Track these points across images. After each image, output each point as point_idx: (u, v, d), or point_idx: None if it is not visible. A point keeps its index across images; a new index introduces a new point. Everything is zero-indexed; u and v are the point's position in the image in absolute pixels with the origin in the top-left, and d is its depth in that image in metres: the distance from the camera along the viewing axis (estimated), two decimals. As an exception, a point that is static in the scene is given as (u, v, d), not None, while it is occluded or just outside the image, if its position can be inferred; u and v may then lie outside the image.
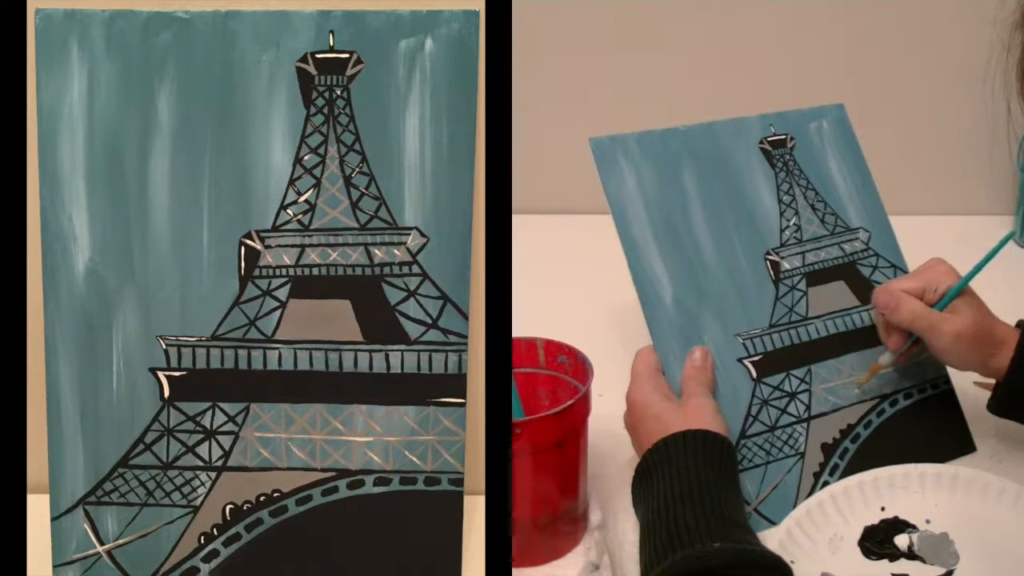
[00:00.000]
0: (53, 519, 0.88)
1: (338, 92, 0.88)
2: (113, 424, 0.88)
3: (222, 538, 0.88)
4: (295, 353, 0.88)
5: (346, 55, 0.87)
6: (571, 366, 0.92)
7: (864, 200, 1.03)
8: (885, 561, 0.85)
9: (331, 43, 0.87)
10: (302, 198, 0.88)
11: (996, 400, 0.92)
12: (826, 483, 0.92)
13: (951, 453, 0.96)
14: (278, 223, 0.88)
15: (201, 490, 0.88)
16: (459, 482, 0.88)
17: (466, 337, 0.88)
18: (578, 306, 1.22)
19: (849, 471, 0.92)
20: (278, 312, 0.88)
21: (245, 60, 0.87)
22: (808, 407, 0.95)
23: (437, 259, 0.88)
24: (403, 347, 0.88)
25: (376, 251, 0.88)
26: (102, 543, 0.88)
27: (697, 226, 0.97)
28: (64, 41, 0.86)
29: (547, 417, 0.84)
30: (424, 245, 0.88)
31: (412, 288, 0.88)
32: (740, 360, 0.94)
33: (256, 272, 0.88)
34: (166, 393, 0.88)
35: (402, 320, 0.88)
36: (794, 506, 0.89)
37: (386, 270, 0.88)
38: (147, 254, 0.88)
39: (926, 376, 0.98)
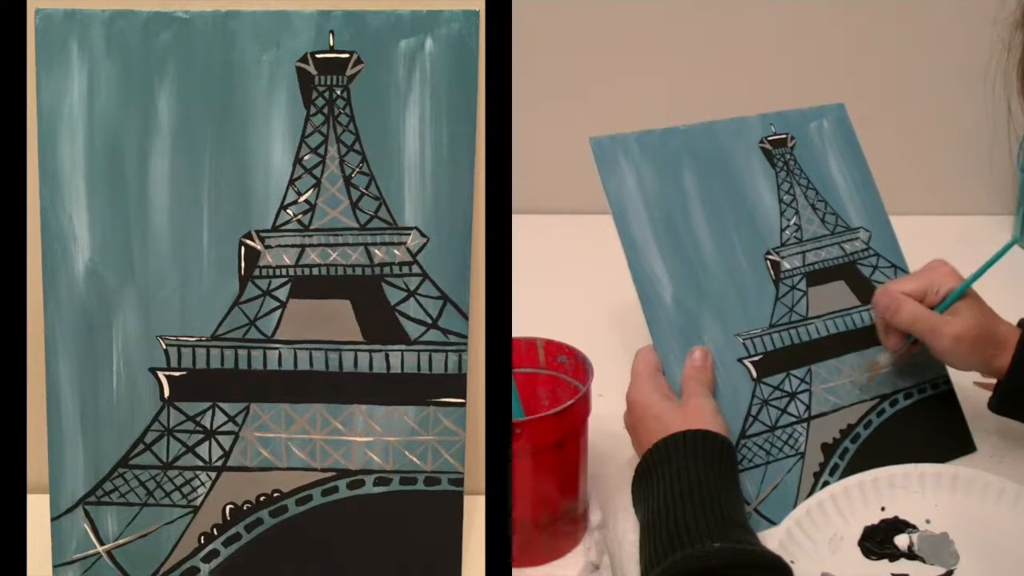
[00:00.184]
0: (53, 519, 0.88)
1: (338, 92, 0.88)
2: (113, 424, 0.88)
3: (222, 538, 0.88)
4: (295, 353, 0.88)
5: (346, 55, 0.87)
6: (571, 366, 0.92)
7: (864, 200, 1.03)
8: (885, 561, 0.85)
9: (331, 43, 0.87)
10: (302, 198, 0.88)
11: (997, 398, 0.92)
12: (826, 483, 0.92)
13: (951, 453, 0.96)
14: (278, 223, 0.88)
15: (201, 490, 0.88)
16: (459, 482, 0.88)
17: (466, 337, 0.88)
18: (578, 306, 1.22)
19: (849, 471, 0.92)
20: (278, 312, 0.88)
21: (245, 60, 0.87)
22: (808, 407, 0.95)
23: (437, 259, 0.88)
24: (403, 347, 0.88)
25: (376, 251, 0.88)
26: (102, 543, 0.88)
27: (697, 226, 0.97)
28: (64, 41, 0.86)
29: (547, 417, 0.84)
30: (424, 245, 0.88)
31: (412, 288, 0.88)
32: (740, 360, 0.94)
33: (256, 272, 0.88)
34: (166, 393, 0.88)
35: (402, 320, 0.88)
36: (794, 506, 0.89)
37: (386, 270, 0.88)
38: (147, 254, 0.88)
39: (926, 376, 0.98)
